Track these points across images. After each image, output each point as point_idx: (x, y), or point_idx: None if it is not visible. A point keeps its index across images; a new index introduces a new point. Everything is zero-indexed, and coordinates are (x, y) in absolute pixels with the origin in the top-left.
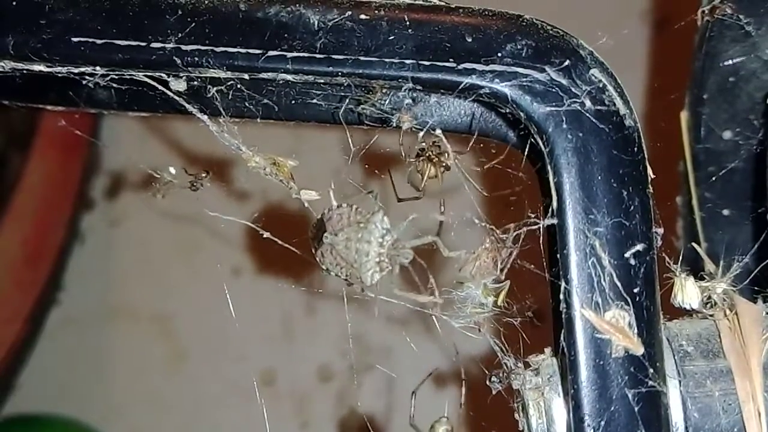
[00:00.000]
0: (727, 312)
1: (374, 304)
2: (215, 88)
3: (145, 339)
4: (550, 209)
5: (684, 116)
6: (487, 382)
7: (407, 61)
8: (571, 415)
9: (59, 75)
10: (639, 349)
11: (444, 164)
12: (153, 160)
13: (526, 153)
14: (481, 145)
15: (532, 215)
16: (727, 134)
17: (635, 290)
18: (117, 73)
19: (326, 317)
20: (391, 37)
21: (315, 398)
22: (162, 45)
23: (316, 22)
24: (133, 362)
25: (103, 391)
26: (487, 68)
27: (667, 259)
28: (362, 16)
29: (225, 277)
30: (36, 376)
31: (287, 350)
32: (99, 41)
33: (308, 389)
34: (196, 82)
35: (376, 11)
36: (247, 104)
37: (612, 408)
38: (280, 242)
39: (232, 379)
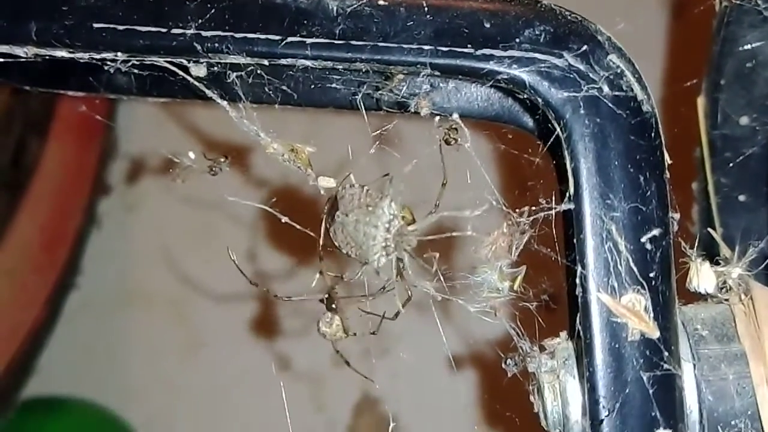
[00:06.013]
0: (742, 297)
1: (391, 289)
2: (235, 74)
3: (162, 323)
4: (567, 194)
5: (701, 102)
6: (503, 366)
7: (426, 47)
8: (586, 397)
9: (80, 61)
10: (654, 333)
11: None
12: (170, 145)
13: (542, 138)
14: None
15: (546, 200)
16: (744, 120)
17: (651, 275)
18: (138, 59)
19: (342, 302)
20: (410, 23)
21: (330, 382)
22: (183, 31)
23: (335, 9)
24: (150, 346)
25: (120, 375)
26: (505, 54)
27: (683, 243)
28: (381, 2)
29: (242, 262)
30: (54, 360)
31: (303, 335)
32: (120, 27)
33: (324, 374)
34: (216, 68)
35: None
36: (266, 90)
37: (627, 391)
38: (298, 227)
39: (249, 363)
